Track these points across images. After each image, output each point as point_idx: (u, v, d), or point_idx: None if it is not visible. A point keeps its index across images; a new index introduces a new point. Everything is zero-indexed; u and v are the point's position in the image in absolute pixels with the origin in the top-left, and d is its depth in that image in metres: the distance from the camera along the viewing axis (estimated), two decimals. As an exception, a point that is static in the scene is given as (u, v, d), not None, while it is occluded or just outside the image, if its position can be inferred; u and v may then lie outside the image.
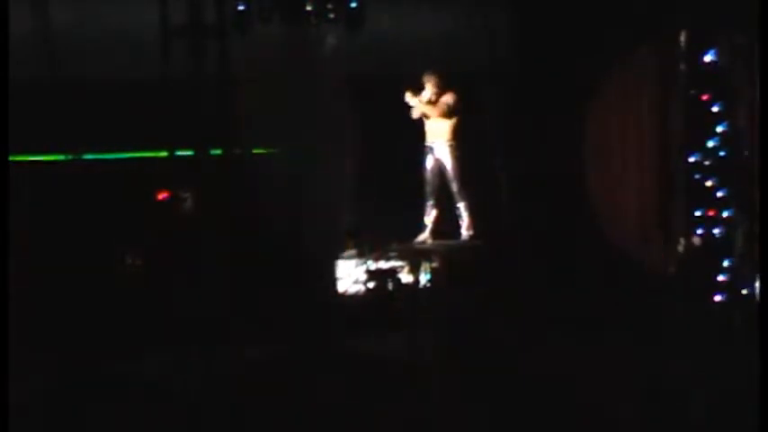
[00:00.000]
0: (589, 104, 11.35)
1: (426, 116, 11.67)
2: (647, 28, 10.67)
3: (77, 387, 8.40)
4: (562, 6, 11.03)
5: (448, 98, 11.62)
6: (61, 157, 10.99)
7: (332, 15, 11.12)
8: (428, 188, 11.86)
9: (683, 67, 10.62)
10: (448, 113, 11.65)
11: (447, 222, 11.87)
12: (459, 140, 11.75)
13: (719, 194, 10.58)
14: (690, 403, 7.99)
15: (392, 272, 11.42)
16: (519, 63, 11.77)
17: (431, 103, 11.64)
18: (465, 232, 11.78)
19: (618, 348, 9.16)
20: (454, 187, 11.75)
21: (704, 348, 8.97)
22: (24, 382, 7.73)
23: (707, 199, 10.59)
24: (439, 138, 11.76)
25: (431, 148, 11.80)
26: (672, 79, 10.73)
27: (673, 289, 10.58)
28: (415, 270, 11.34)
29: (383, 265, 11.51)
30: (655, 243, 10.97)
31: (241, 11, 10.81)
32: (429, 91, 11.64)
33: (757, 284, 10.19)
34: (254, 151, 11.36)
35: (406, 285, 11.33)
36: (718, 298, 10.36)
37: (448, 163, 11.74)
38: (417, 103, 11.61)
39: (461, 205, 11.74)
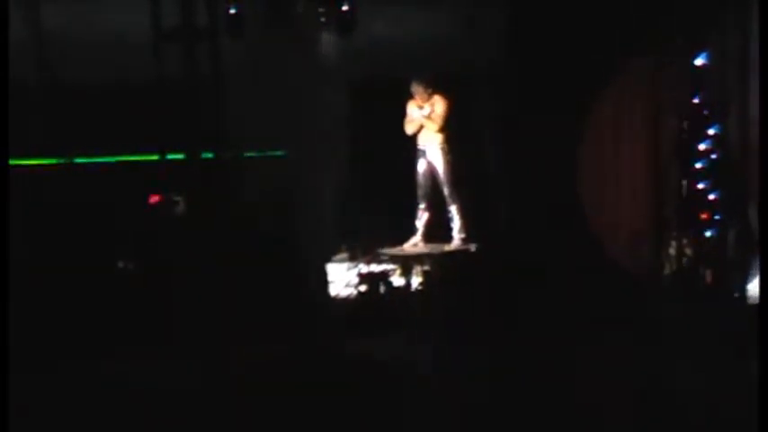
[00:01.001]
0: (583, 107, 11.36)
1: (423, 127, 11.73)
2: (640, 31, 10.69)
3: (76, 387, 8.39)
4: (557, 9, 11.04)
5: (444, 109, 11.64)
6: (53, 161, 10.96)
7: (323, 19, 11.13)
8: (420, 191, 11.87)
9: (675, 69, 10.67)
10: (444, 124, 11.69)
11: (439, 225, 11.88)
12: (452, 143, 11.76)
13: (712, 197, 10.64)
14: (688, 404, 8.02)
15: (384, 275, 11.42)
16: (513, 65, 11.77)
17: (430, 117, 11.68)
18: (457, 235, 11.80)
19: (613, 350, 9.16)
20: (446, 190, 11.76)
21: (698, 351, 8.98)
22: (24, 383, 7.69)
23: (699, 202, 10.63)
24: (431, 141, 11.78)
25: (423, 152, 11.81)
26: (665, 82, 10.77)
27: (666, 291, 10.61)
28: (407, 273, 11.34)
29: (375, 268, 11.51)
30: (648, 245, 10.99)
31: (233, 14, 10.80)
32: (427, 105, 11.67)
33: (750, 286, 10.25)
34: (247, 154, 11.33)
35: (398, 289, 11.32)
36: (710, 300, 10.39)
37: (440, 166, 11.75)
38: (419, 118, 11.66)
39: (453, 208, 11.75)
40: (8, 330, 6.62)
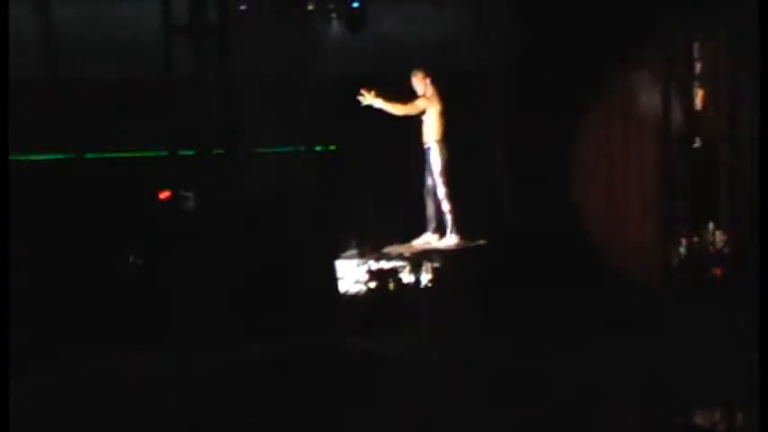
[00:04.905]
0: (588, 105, 11.35)
1: (424, 112, 11.62)
2: (647, 29, 10.66)
3: (78, 386, 8.44)
4: (562, 7, 11.03)
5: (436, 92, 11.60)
6: (63, 157, 11.00)
7: (333, 15, 11.16)
8: (428, 188, 11.82)
9: (682, 68, 10.62)
10: (445, 109, 11.61)
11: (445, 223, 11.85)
12: (459, 141, 11.72)
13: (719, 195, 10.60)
14: (690, 404, 8.02)
15: (393, 272, 11.42)
16: (518, 63, 11.77)
17: (429, 98, 11.61)
18: (461, 233, 11.68)
19: (618, 349, 9.16)
20: (444, 187, 11.65)
21: (704, 349, 8.97)
22: (24, 382, 7.74)
23: (706, 199, 10.59)
24: (439, 138, 11.71)
25: (431, 149, 11.75)
26: (672, 80, 10.73)
27: (672, 288, 10.60)
28: (416, 270, 11.33)
29: (384, 265, 11.51)
30: (654, 243, 10.97)
31: (243, 11, 10.82)
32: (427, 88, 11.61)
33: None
34: (256, 151, 11.36)
35: (408, 285, 11.33)
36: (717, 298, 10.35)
37: (446, 163, 11.67)
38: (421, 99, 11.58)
39: (447, 207, 11.65)
40: (8, 330, 6.65)
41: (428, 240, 11.87)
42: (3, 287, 6.76)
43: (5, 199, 7.07)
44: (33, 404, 7.81)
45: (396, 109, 11.51)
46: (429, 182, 11.71)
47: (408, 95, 11.59)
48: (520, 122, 11.65)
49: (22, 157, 10.37)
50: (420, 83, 11.58)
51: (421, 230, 11.85)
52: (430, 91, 11.56)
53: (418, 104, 11.56)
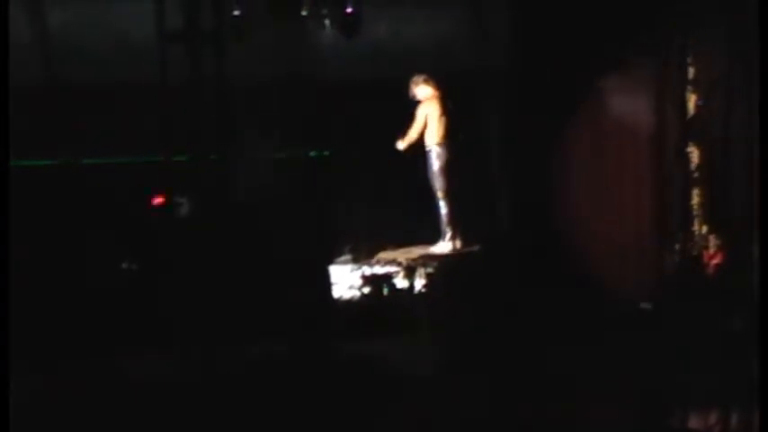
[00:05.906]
0: (585, 108, 11.37)
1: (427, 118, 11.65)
2: (645, 32, 10.68)
3: (77, 388, 8.42)
4: (560, 10, 11.05)
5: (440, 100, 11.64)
6: (57, 162, 10.98)
7: (327, 20, 11.17)
8: (427, 192, 11.82)
9: (680, 72, 10.63)
10: (445, 112, 11.64)
11: (446, 226, 11.86)
12: (456, 144, 11.75)
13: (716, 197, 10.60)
14: (690, 404, 8.03)
15: (387, 277, 11.42)
16: (517, 66, 11.79)
17: (429, 102, 11.64)
18: (459, 237, 11.70)
19: (617, 351, 9.17)
20: (446, 191, 11.68)
21: (703, 350, 8.98)
22: (24, 383, 7.72)
23: (704, 200, 10.62)
24: (436, 142, 11.73)
25: (428, 152, 11.78)
26: (669, 84, 10.73)
27: (670, 291, 10.60)
28: (410, 275, 11.34)
29: (378, 270, 11.51)
30: (652, 244, 10.97)
31: (237, 15, 10.82)
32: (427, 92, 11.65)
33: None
34: (251, 156, 11.35)
35: (402, 290, 11.32)
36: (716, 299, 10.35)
37: (444, 167, 11.70)
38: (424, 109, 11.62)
39: (444, 211, 11.67)
40: (9, 330, 6.63)
41: (426, 245, 11.88)
42: (3, 289, 6.76)
43: (6, 202, 7.06)
44: (33, 404, 7.81)
45: (415, 132, 11.60)
46: (428, 186, 11.73)
47: (409, 106, 11.65)
48: (519, 123, 11.67)
49: (15, 163, 10.31)
50: (420, 87, 11.63)
51: (419, 235, 11.87)
52: (430, 95, 11.61)
53: (420, 115, 11.62)
